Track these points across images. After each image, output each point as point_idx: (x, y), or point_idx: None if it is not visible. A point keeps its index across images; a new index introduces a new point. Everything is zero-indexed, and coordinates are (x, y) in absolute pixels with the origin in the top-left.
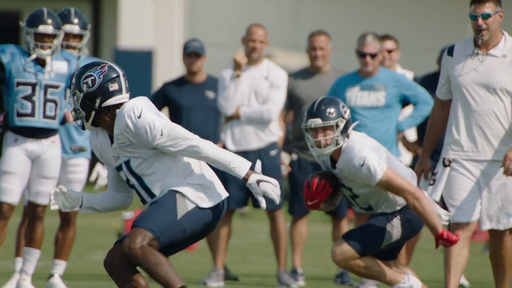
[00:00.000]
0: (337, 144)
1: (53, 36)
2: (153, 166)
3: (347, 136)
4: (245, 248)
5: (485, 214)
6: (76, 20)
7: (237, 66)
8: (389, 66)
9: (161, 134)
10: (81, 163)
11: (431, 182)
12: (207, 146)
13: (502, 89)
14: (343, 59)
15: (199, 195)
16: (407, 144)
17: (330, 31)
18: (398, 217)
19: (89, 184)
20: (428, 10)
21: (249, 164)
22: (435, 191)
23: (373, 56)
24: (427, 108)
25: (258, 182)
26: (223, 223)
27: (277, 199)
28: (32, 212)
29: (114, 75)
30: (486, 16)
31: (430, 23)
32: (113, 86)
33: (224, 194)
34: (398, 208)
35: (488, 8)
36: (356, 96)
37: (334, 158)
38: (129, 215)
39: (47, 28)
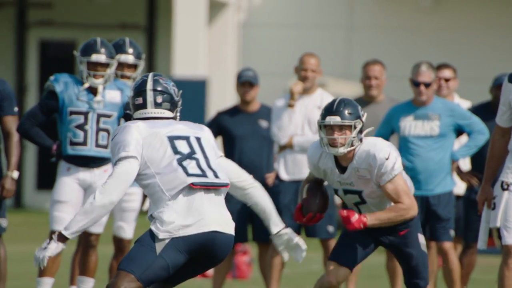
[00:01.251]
0: (351, 145)
1: (106, 65)
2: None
3: (360, 140)
4: (298, 278)
5: None
6: (130, 50)
7: (292, 95)
8: (447, 95)
9: None
10: (134, 192)
11: (492, 206)
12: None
13: None
14: (396, 88)
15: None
16: (461, 174)
17: (383, 60)
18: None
19: (142, 213)
20: (486, 38)
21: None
22: (495, 217)
23: (427, 85)
24: (481, 137)
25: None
26: (275, 253)
27: (299, 259)
28: (86, 240)
29: (142, 89)
30: None
31: (489, 52)
32: (138, 100)
33: (214, 227)
34: None
35: None
36: (410, 125)
37: (341, 162)
38: None
39: (100, 57)
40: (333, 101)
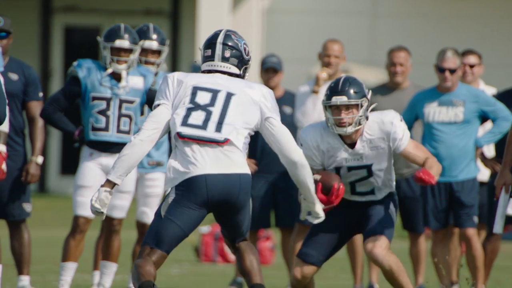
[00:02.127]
0: (359, 124)
1: (129, 51)
2: None
3: (367, 118)
4: None
5: None
6: (154, 36)
7: (317, 81)
8: (471, 81)
9: None
10: (158, 178)
11: (510, 193)
12: None
13: None
14: (420, 74)
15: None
16: (485, 160)
17: (407, 46)
18: (392, 203)
19: None
20: (508, 26)
21: None
22: None
23: (452, 71)
24: (506, 124)
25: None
26: (299, 238)
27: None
28: (108, 225)
29: (213, 41)
30: None
31: (510, 39)
32: (207, 52)
33: (202, 171)
34: (388, 192)
35: None
36: (435, 111)
37: (346, 139)
38: (206, 229)
39: (123, 42)
40: (338, 81)
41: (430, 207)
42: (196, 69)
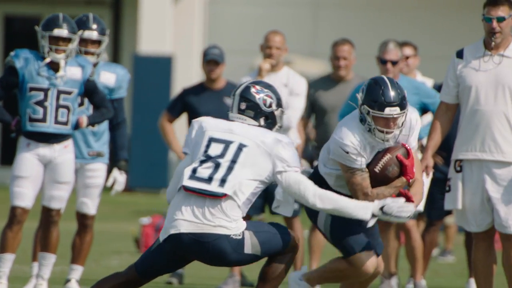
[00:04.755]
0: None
1: (67, 40)
2: None
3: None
4: None
5: (497, 217)
6: (94, 26)
7: (260, 72)
8: (407, 73)
9: None
10: (98, 168)
11: (447, 188)
12: None
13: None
14: (363, 66)
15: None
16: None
17: (350, 37)
18: None
19: (106, 189)
20: (448, 17)
21: None
22: (454, 199)
23: (394, 63)
24: None
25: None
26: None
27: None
28: (46, 216)
29: (234, 92)
30: (500, 19)
31: (451, 30)
32: (230, 101)
33: (173, 230)
34: None
35: (502, 12)
36: None
37: None
38: (146, 220)
39: (61, 31)
40: (387, 89)
41: None
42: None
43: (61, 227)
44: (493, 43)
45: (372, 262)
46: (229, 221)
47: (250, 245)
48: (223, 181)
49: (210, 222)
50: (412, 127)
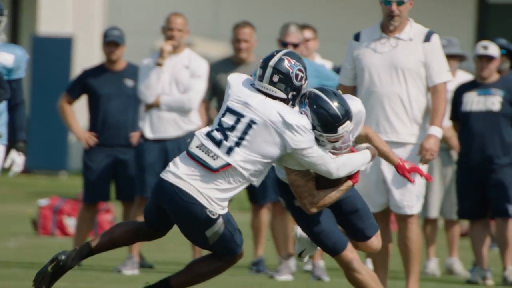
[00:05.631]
0: None
1: None
2: None
3: None
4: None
5: (392, 198)
6: None
7: (161, 54)
8: (307, 55)
9: None
10: None
11: None
12: None
13: (407, 71)
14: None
15: None
16: None
17: (251, 20)
18: None
19: (4, 170)
20: (346, 0)
21: None
22: None
23: (295, 46)
24: None
25: None
26: (139, 211)
27: None
28: None
29: (266, 63)
30: (400, 3)
31: (349, 14)
32: (260, 71)
33: (164, 176)
34: None
35: None
36: None
37: None
38: (44, 202)
39: None
40: (332, 109)
41: (270, 180)
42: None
43: None
44: (391, 26)
45: (374, 244)
46: (217, 196)
47: (213, 231)
48: (225, 154)
49: (198, 188)
50: (358, 120)
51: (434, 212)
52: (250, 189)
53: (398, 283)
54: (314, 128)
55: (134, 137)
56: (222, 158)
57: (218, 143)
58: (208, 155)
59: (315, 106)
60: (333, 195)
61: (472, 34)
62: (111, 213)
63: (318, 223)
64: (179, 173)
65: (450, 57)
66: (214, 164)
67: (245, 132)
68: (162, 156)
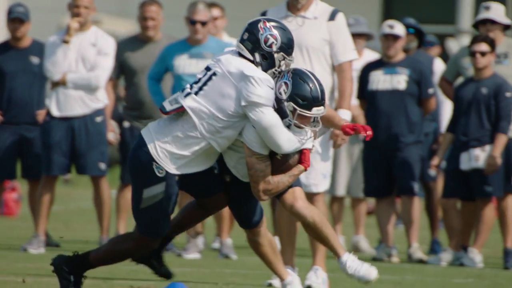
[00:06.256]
0: None
1: None
2: None
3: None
4: (68, 215)
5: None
6: None
7: (68, 31)
8: (215, 34)
9: None
10: None
11: None
12: None
13: (311, 49)
14: (169, 26)
15: None
16: None
17: None
18: None
19: None
20: None
21: None
22: None
23: (203, 24)
24: None
25: None
26: (45, 190)
27: None
28: None
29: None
30: None
31: None
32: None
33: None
34: None
35: None
36: (185, 64)
37: None
38: None
39: None
40: (315, 87)
41: None
42: None
43: None
44: (299, 4)
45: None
46: (169, 150)
47: (151, 193)
48: (182, 98)
49: (154, 133)
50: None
51: (341, 190)
52: None
53: (304, 260)
54: (291, 99)
55: (40, 115)
56: (178, 101)
57: (182, 93)
58: (170, 103)
59: (300, 79)
60: (286, 181)
61: (378, 13)
62: (17, 192)
63: None
64: (150, 124)
65: (357, 36)
66: (169, 108)
67: (205, 83)
68: (68, 134)
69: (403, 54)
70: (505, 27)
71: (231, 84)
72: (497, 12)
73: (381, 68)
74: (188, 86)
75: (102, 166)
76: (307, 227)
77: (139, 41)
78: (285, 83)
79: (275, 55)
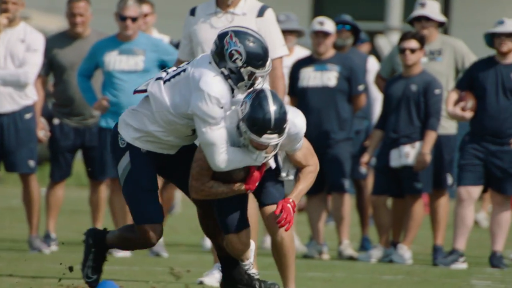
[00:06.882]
0: None
1: None
2: None
3: None
4: None
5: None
6: None
7: None
8: (145, 30)
9: None
10: None
11: None
12: None
13: None
14: (98, 22)
15: None
16: None
17: None
18: None
19: None
20: None
21: None
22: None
23: (134, 20)
24: None
25: None
26: None
27: None
28: None
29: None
30: None
31: None
32: None
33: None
34: None
35: None
36: (115, 60)
37: None
38: None
39: None
40: (268, 115)
41: (109, 156)
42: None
43: None
44: (229, 1)
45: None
46: (131, 124)
47: (121, 167)
48: (150, 85)
49: (123, 114)
50: (294, 137)
51: None
52: (89, 164)
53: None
54: (244, 120)
55: None
56: (148, 84)
57: (156, 75)
58: (145, 84)
59: (256, 102)
60: (221, 191)
61: (309, 10)
62: None
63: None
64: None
65: (288, 32)
66: (139, 88)
67: (174, 76)
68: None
69: (333, 51)
70: (440, 24)
71: (189, 87)
72: (432, 9)
73: (311, 65)
74: (166, 70)
75: (32, 163)
76: (274, 244)
77: (68, 37)
78: (246, 102)
79: (242, 70)
